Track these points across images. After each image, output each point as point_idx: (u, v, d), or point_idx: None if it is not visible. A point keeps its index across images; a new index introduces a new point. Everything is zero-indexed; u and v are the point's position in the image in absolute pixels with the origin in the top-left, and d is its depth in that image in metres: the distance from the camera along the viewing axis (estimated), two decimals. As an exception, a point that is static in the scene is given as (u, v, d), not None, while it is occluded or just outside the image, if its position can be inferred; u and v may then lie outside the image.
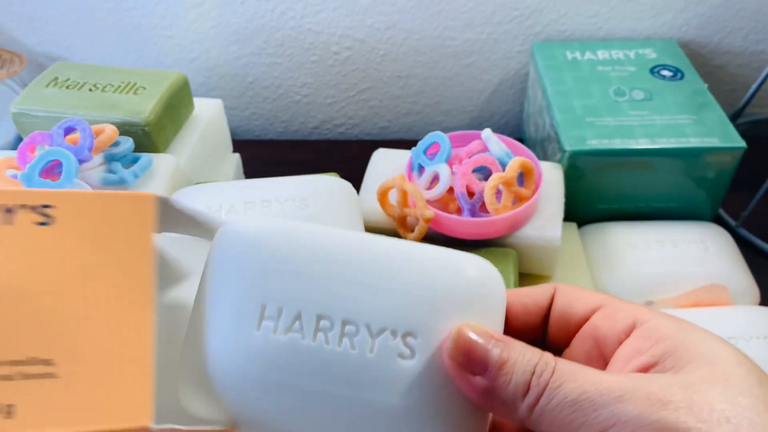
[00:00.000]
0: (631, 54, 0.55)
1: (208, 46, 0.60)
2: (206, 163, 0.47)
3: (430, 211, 0.39)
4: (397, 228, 0.41)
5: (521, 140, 0.59)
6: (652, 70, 0.52)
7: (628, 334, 0.20)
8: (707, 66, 0.60)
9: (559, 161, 0.46)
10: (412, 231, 0.40)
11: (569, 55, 0.55)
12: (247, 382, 0.19)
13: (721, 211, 0.52)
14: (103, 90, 0.42)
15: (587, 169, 0.46)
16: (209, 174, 0.48)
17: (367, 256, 0.20)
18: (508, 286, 0.37)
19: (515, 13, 0.57)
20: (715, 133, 0.46)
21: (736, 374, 0.17)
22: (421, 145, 0.43)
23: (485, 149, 0.42)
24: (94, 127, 0.38)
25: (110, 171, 0.38)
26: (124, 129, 0.40)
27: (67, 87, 0.43)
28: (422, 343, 0.19)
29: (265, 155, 0.62)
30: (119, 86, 0.43)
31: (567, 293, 0.22)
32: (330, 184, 0.39)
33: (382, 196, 0.41)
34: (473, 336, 0.18)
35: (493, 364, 0.18)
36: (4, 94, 0.56)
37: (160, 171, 0.40)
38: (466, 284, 0.20)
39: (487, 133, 0.42)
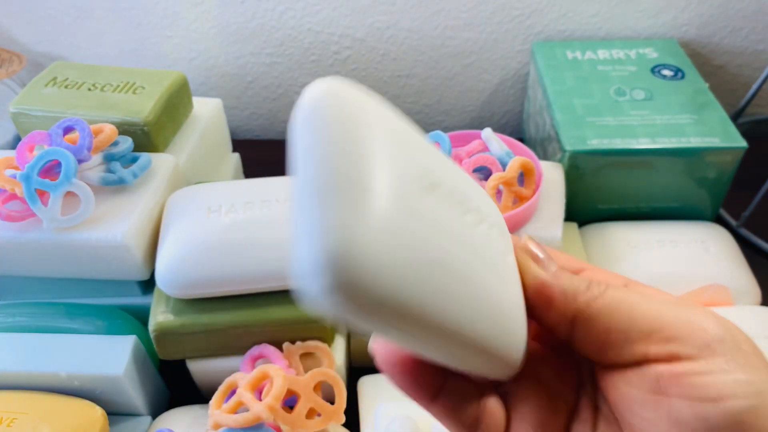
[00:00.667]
0: (632, 53, 0.55)
1: (207, 45, 0.60)
2: (206, 162, 0.47)
3: (430, 211, 0.38)
4: (397, 228, 0.41)
5: (521, 140, 0.59)
6: (652, 70, 0.52)
7: None
8: (708, 66, 0.60)
9: (560, 161, 0.46)
10: (412, 231, 0.40)
11: (569, 55, 0.55)
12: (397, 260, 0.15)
13: (722, 211, 0.52)
14: (102, 90, 0.42)
15: (588, 169, 0.46)
16: (209, 174, 0.47)
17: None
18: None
19: (515, 13, 0.57)
20: (715, 132, 0.46)
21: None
22: (421, 144, 0.42)
23: (485, 149, 0.42)
24: (93, 126, 0.38)
25: (109, 171, 0.38)
26: (123, 129, 0.40)
27: (66, 87, 0.43)
28: (508, 242, 0.20)
29: (264, 155, 0.62)
30: (118, 86, 0.42)
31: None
32: (330, 183, 0.38)
33: (382, 195, 0.41)
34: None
35: (553, 261, 0.19)
36: (3, 94, 0.56)
37: (160, 171, 0.40)
38: None
39: (487, 132, 0.42)
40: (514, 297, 0.19)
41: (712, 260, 0.44)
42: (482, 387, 0.20)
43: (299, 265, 0.15)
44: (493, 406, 0.19)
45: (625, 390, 0.18)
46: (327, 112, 0.16)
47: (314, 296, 0.15)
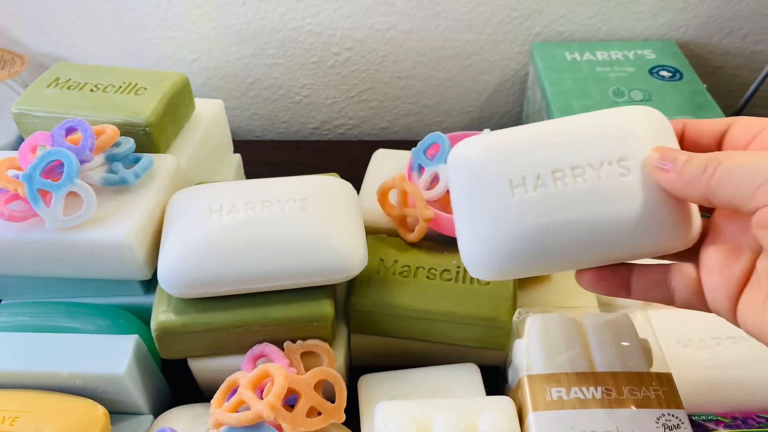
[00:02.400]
0: (630, 55, 0.55)
1: (208, 46, 0.60)
2: (207, 163, 0.47)
3: (430, 211, 0.39)
4: (397, 228, 0.41)
5: (521, 141, 0.59)
6: (651, 71, 0.53)
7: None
8: (706, 67, 0.61)
9: (559, 161, 0.46)
10: (412, 231, 0.40)
11: (568, 56, 0.55)
12: (523, 233, 0.26)
13: (720, 212, 0.52)
14: (104, 90, 0.42)
15: (586, 170, 0.46)
16: (210, 174, 0.48)
17: (563, 122, 0.28)
18: (507, 285, 0.38)
19: (515, 14, 0.58)
20: (713, 133, 0.46)
21: None
22: (421, 145, 0.43)
23: (485, 149, 0.42)
24: (95, 127, 0.38)
25: (111, 171, 0.38)
26: (125, 129, 0.40)
27: (68, 87, 0.43)
28: (632, 163, 0.26)
29: (265, 155, 0.62)
30: (120, 87, 0.43)
31: (745, 125, 0.26)
32: (330, 184, 0.39)
33: (382, 196, 0.41)
34: (666, 147, 0.26)
35: (680, 159, 0.25)
36: (5, 95, 0.56)
37: (161, 171, 0.40)
38: (643, 117, 0.27)
39: (486, 133, 0.42)
40: (650, 205, 0.26)
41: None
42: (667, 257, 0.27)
43: (469, 254, 0.28)
44: (684, 266, 0.26)
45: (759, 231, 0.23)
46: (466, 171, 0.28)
47: (484, 273, 0.28)
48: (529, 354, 0.34)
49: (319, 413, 0.34)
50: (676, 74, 0.52)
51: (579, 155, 0.26)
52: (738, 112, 0.53)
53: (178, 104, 0.44)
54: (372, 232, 0.42)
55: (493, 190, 0.27)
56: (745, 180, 0.22)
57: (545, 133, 0.28)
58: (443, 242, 0.41)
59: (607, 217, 0.26)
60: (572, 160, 0.26)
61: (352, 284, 0.38)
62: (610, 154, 0.26)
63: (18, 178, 0.35)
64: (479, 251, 0.27)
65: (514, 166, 0.27)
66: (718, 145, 0.27)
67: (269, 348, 0.36)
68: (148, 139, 0.41)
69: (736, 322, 0.25)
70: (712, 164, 0.24)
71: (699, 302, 0.26)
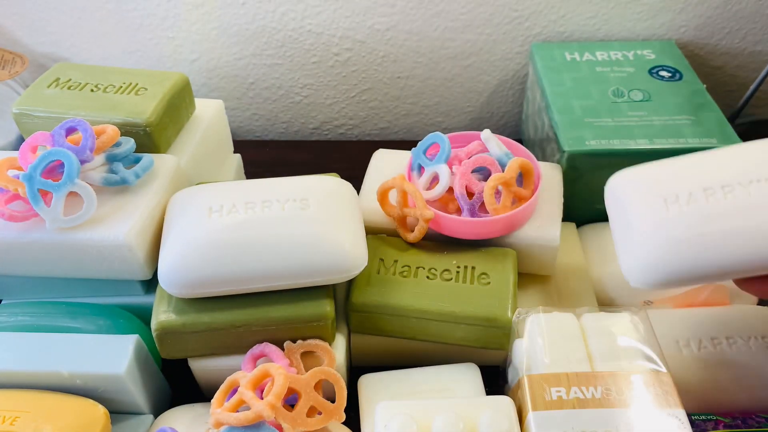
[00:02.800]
0: (630, 55, 0.55)
1: (209, 47, 0.60)
2: (207, 163, 0.47)
3: (430, 211, 0.39)
4: (397, 228, 0.41)
5: (520, 141, 0.59)
6: (650, 71, 0.53)
7: None
8: (706, 67, 0.61)
9: (558, 162, 0.46)
10: (412, 231, 0.40)
11: (568, 56, 0.55)
12: (677, 242, 0.29)
13: (720, 212, 0.53)
14: (104, 91, 0.43)
15: (586, 170, 0.46)
16: (210, 174, 0.48)
17: (707, 152, 0.31)
18: (507, 285, 0.38)
19: (514, 15, 0.58)
20: (713, 133, 0.46)
21: None
22: (421, 145, 0.43)
23: (484, 150, 0.42)
24: (96, 127, 0.38)
25: (112, 171, 0.38)
26: (126, 129, 0.40)
27: (69, 87, 0.43)
28: None
29: (265, 156, 0.62)
30: (120, 87, 0.43)
31: None
32: (330, 184, 0.39)
33: (382, 196, 0.41)
34: None
35: None
36: (5, 95, 0.57)
37: (162, 171, 0.40)
38: None
39: (486, 133, 0.43)
40: None
41: (709, 260, 0.44)
42: None
43: (629, 266, 0.31)
44: None
45: None
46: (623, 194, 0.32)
47: (644, 282, 0.30)
48: (529, 354, 0.34)
49: (319, 413, 0.34)
50: (675, 74, 0.52)
51: (727, 175, 0.29)
52: (738, 113, 0.53)
53: (179, 104, 0.44)
54: (372, 232, 0.42)
55: (649, 207, 0.30)
56: None
57: (693, 160, 0.31)
58: (443, 242, 0.41)
59: (758, 227, 0.28)
60: (721, 180, 0.29)
61: (352, 284, 0.38)
62: (759, 174, 0.29)
63: (18, 178, 0.35)
64: (638, 262, 0.30)
65: (667, 186, 0.30)
66: None
67: (269, 348, 0.36)
68: (148, 139, 0.41)
69: None
70: None
71: None
